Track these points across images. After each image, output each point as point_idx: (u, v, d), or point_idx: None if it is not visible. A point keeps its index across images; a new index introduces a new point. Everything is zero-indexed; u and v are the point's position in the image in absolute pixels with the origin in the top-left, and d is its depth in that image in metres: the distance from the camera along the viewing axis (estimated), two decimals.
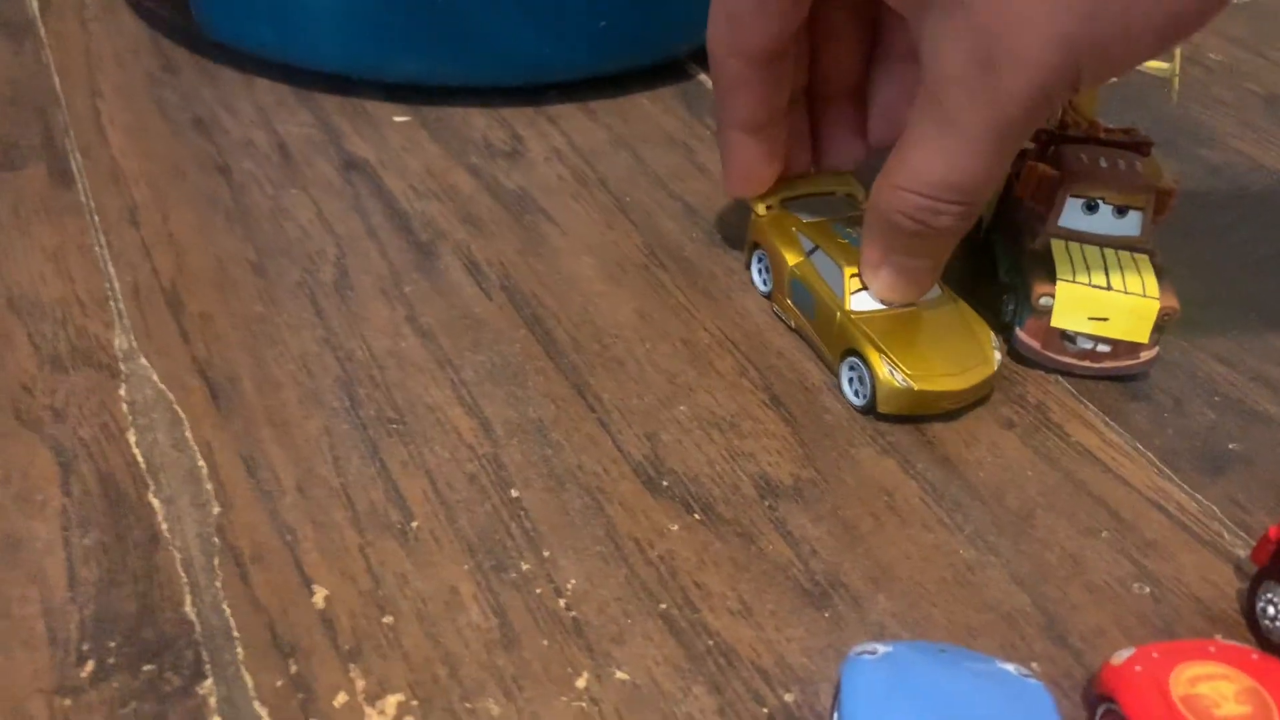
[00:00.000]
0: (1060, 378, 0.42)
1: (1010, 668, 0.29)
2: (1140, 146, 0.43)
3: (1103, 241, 0.42)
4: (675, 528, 0.35)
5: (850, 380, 0.41)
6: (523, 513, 0.35)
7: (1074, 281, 0.41)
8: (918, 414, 0.40)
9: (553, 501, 0.36)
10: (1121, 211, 0.42)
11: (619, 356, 0.42)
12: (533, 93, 0.56)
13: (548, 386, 0.40)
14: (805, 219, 0.43)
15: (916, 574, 0.35)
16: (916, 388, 0.39)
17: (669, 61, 0.60)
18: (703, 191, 0.51)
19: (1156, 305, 0.41)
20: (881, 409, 0.40)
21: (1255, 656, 0.30)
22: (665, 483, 0.37)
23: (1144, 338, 0.41)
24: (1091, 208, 0.42)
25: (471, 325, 0.42)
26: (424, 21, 0.52)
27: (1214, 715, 0.28)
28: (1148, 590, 0.35)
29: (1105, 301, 0.41)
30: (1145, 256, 0.42)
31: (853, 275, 0.41)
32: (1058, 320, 0.41)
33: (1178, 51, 0.43)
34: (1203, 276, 0.48)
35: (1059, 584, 0.35)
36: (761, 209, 0.44)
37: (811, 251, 0.42)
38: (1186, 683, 0.29)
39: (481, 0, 0.52)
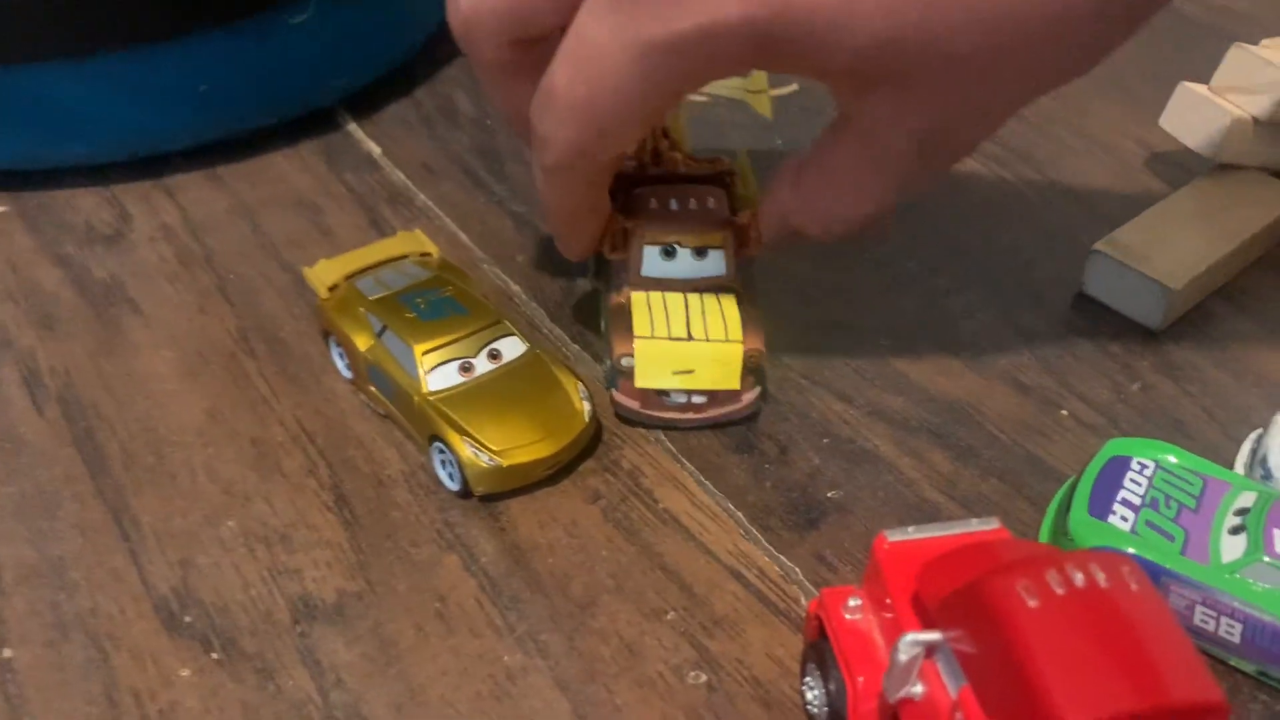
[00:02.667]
0: (662, 435, 0.40)
1: None
2: (721, 177, 0.41)
3: (688, 286, 0.40)
4: (187, 673, 0.32)
5: (443, 464, 0.38)
6: (10, 676, 0.32)
7: (652, 337, 0.38)
8: (516, 485, 0.37)
9: (50, 658, 0.32)
10: (701, 253, 0.40)
11: (173, 469, 0.38)
12: (152, 164, 0.52)
13: (81, 515, 0.36)
14: (373, 295, 0.40)
15: (450, 693, 0.32)
16: (505, 464, 0.36)
17: (316, 113, 0.56)
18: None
19: (740, 349, 0.38)
20: (476, 491, 0.37)
21: None
22: (188, 618, 0.33)
23: (735, 384, 0.39)
24: (669, 253, 0.40)
25: (11, 450, 0.38)
26: (6, 103, 0.48)
27: None
28: (704, 679, 0.32)
29: (687, 353, 0.38)
30: (731, 296, 0.40)
31: (425, 353, 0.38)
32: (641, 380, 0.38)
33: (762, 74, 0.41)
34: (841, 300, 0.46)
35: (607, 682, 0.32)
36: (324, 291, 0.41)
37: (381, 332, 0.39)
38: None
39: (63, 75, 0.47)
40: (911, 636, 0.25)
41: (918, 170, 0.36)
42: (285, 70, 0.52)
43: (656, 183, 0.41)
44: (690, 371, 0.38)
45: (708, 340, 0.38)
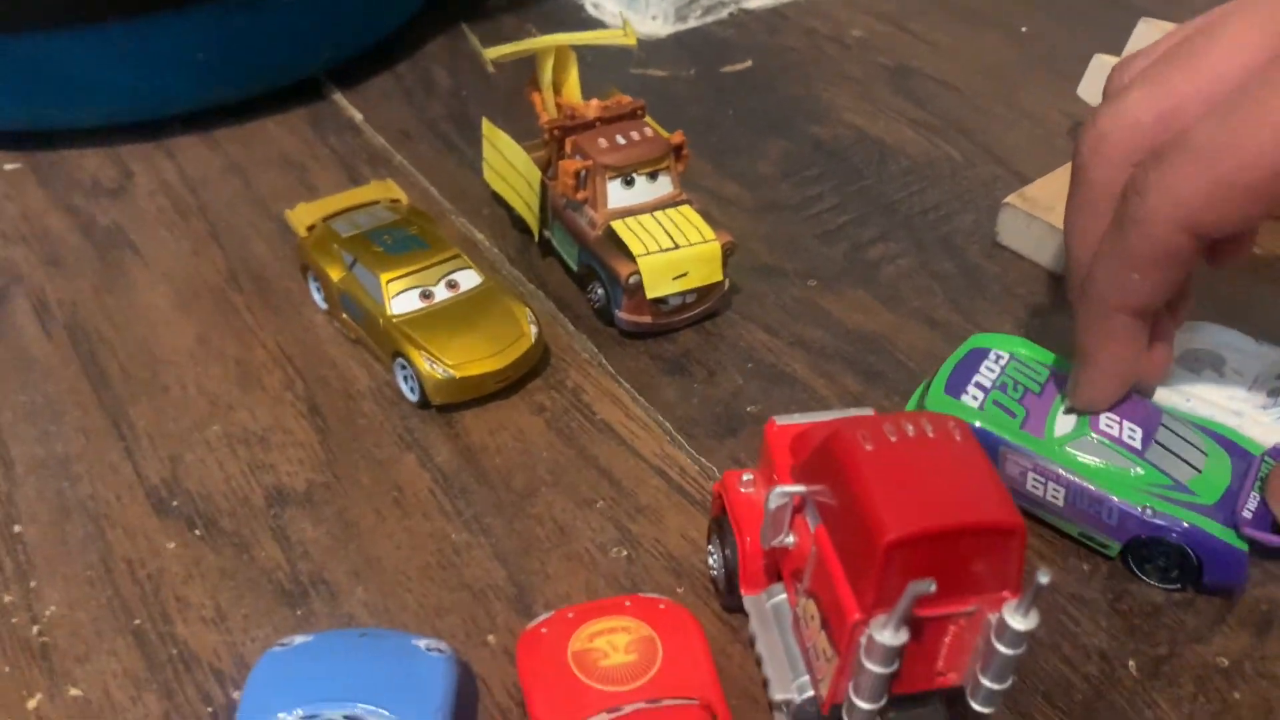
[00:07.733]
0: (603, 359, 0.45)
1: (422, 644, 0.31)
2: (636, 112, 0.46)
3: (648, 207, 0.45)
4: (172, 545, 0.37)
5: (404, 379, 0.42)
6: (20, 547, 0.36)
7: (649, 253, 0.43)
8: (470, 397, 0.42)
9: (54, 533, 0.37)
10: (653, 176, 0.45)
11: (166, 383, 0.43)
12: (152, 127, 0.57)
13: (84, 420, 0.41)
14: (345, 233, 0.45)
15: (402, 563, 0.36)
16: (458, 375, 0.41)
17: (304, 82, 0.61)
18: None
19: (719, 245, 0.44)
20: (434, 400, 0.41)
21: (663, 606, 0.32)
22: (175, 503, 0.38)
23: (719, 276, 0.44)
24: (629, 182, 0.45)
25: (23, 366, 0.43)
26: (14, 70, 0.53)
27: (599, 666, 0.31)
28: (624, 554, 0.37)
29: (679, 259, 0.43)
30: (686, 206, 0.45)
31: (389, 281, 0.43)
32: (651, 291, 0.43)
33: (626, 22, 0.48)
34: (775, 248, 0.51)
35: (540, 556, 0.37)
36: (303, 230, 0.46)
37: (352, 264, 0.44)
38: (585, 639, 0.31)
39: (71, 43, 0.52)
40: (779, 489, 0.30)
41: None
42: (275, 41, 0.57)
43: (586, 130, 0.45)
44: (685, 274, 0.44)
45: (690, 245, 0.44)
